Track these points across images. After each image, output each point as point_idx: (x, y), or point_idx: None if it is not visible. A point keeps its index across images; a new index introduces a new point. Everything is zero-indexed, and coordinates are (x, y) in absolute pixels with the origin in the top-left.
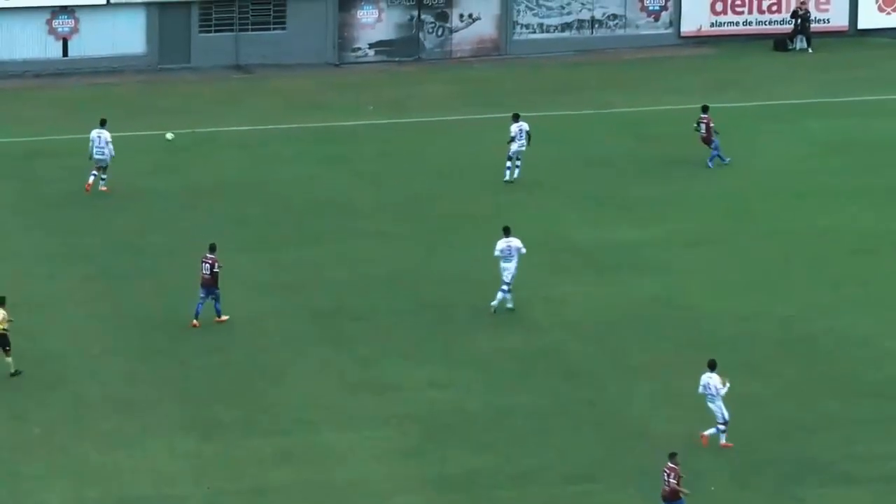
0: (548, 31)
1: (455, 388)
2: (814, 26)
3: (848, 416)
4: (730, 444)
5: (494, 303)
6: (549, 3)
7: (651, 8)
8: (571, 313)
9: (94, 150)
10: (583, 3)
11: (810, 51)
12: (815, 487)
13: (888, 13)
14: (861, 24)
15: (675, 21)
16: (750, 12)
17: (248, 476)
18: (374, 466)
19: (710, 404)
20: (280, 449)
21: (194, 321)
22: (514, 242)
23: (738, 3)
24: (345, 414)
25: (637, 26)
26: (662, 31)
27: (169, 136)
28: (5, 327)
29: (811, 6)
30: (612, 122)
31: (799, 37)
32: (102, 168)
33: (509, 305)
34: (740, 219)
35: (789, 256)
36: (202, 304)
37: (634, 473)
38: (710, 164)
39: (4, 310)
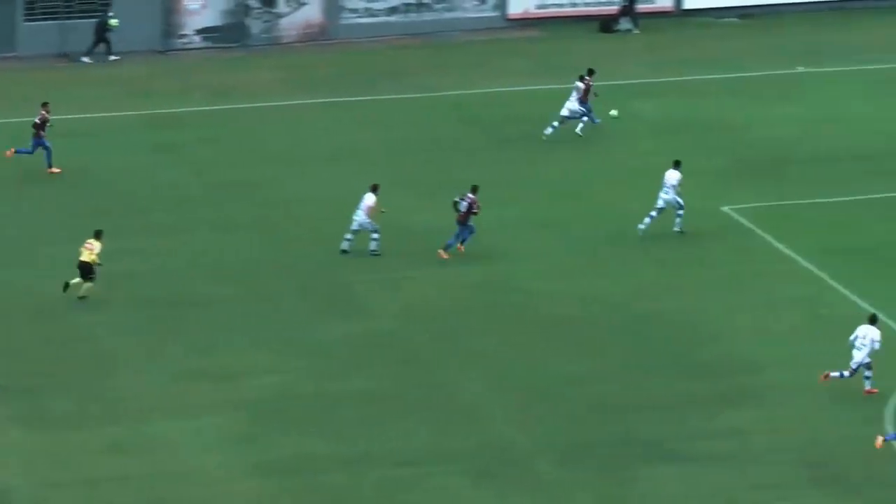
0: (375, 15)
1: (288, 374)
2: (640, 7)
3: (675, 396)
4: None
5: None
6: None
7: None
8: (406, 298)
9: None
10: None
11: (636, 31)
12: (642, 467)
13: None
14: (686, 5)
15: (502, 3)
16: None
17: (78, 467)
18: (207, 454)
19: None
20: (111, 439)
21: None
22: (674, 175)
23: None
24: (177, 402)
25: (464, 9)
26: (489, 13)
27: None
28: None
29: None
30: (441, 106)
31: (625, 18)
32: None
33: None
34: (572, 201)
35: (620, 238)
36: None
37: (466, 457)
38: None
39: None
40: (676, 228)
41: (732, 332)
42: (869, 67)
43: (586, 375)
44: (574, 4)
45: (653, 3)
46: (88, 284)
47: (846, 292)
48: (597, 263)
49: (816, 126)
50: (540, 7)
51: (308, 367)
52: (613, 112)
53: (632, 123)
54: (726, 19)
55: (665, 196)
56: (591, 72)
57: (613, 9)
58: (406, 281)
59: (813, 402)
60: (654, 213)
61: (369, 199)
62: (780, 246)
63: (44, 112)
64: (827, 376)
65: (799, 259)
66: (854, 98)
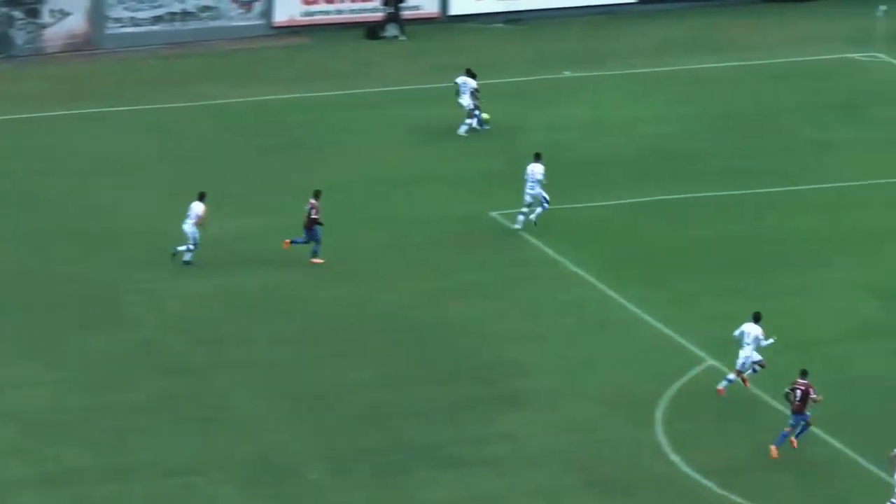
0: (140, 25)
1: (54, 385)
2: (406, 13)
3: (449, 401)
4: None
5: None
6: None
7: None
8: (172, 308)
9: None
10: None
11: (403, 38)
12: (417, 472)
13: None
14: (452, 11)
15: (268, 11)
16: (342, 1)
17: None
18: None
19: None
20: None
21: None
22: (538, 169)
23: None
24: None
25: (229, 17)
26: (255, 21)
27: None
28: None
29: None
30: (208, 115)
31: (391, 24)
32: None
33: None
34: (340, 207)
35: (392, 244)
36: None
37: (235, 466)
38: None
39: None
40: (533, 217)
41: (504, 337)
42: (635, 72)
43: (359, 383)
44: (340, 11)
45: (419, 9)
46: None
47: (614, 295)
48: (368, 270)
49: (584, 130)
50: (306, 14)
51: (75, 378)
52: (485, 115)
53: (399, 129)
54: (493, 25)
55: (531, 191)
56: (470, 73)
57: (379, 15)
58: (175, 290)
59: (583, 405)
60: (525, 210)
61: (198, 207)
62: (549, 251)
63: None
64: (721, 391)
65: (567, 263)
66: (621, 102)
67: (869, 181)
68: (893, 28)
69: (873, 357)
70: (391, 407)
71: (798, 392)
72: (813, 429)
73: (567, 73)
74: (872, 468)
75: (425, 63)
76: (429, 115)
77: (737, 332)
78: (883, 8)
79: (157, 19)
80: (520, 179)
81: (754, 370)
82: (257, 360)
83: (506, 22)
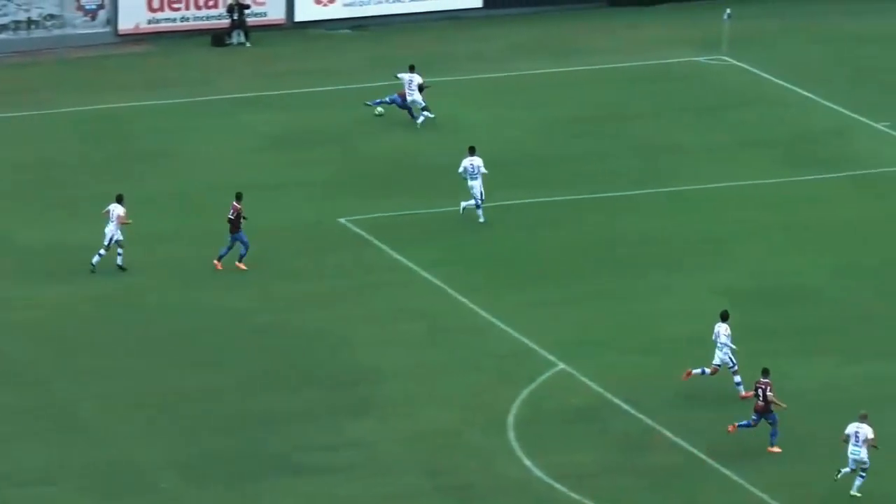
0: None
1: None
2: (251, 20)
3: (301, 408)
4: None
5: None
6: None
7: (87, 7)
8: (17, 317)
9: None
10: (18, 5)
11: (248, 44)
12: (268, 479)
13: (324, 5)
14: (298, 17)
15: (113, 19)
16: (187, 8)
17: None
18: None
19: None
20: None
21: None
22: (477, 161)
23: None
24: None
25: (74, 25)
26: (100, 29)
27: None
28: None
29: (250, 0)
30: (55, 123)
31: (237, 31)
32: None
33: (481, 220)
34: (189, 214)
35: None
36: None
37: (87, 475)
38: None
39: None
40: (463, 205)
41: (355, 343)
42: (482, 76)
43: (209, 389)
44: (185, 19)
45: (264, 16)
46: None
47: (466, 301)
48: (218, 276)
49: (432, 136)
50: (151, 22)
51: None
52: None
53: (246, 136)
54: (339, 31)
55: (473, 181)
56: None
57: (224, 23)
58: (20, 299)
59: (436, 411)
60: (479, 202)
61: (118, 209)
62: (400, 257)
63: None
64: (689, 374)
65: (418, 269)
66: (469, 107)
67: (719, 184)
68: (739, 31)
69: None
70: (244, 414)
71: (760, 391)
72: (664, 432)
73: (398, 76)
74: (723, 470)
75: (271, 69)
76: (275, 122)
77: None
78: (728, 12)
79: (2, 28)
80: (370, 185)
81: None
82: (107, 367)
83: (352, 28)
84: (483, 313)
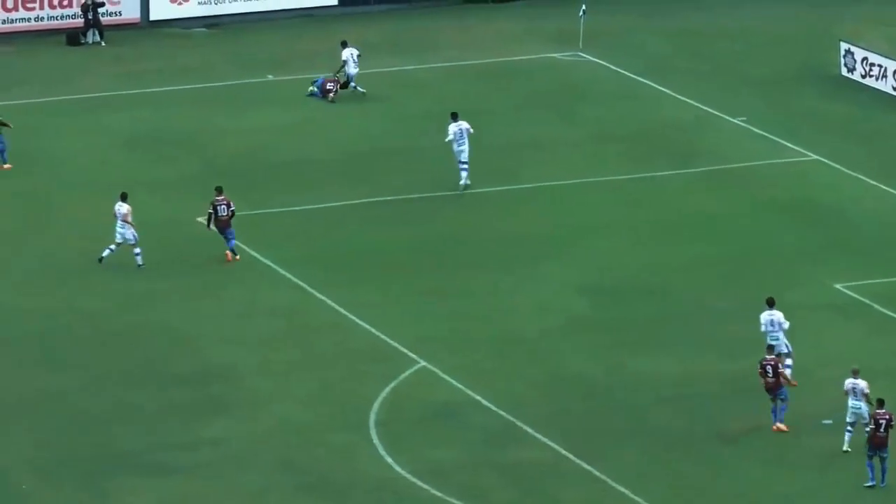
0: None
1: None
2: (106, 19)
3: (155, 406)
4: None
5: (462, 182)
6: None
7: None
8: None
9: None
10: None
11: (103, 44)
12: (123, 478)
13: (179, 4)
14: (153, 16)
15: None
16: (42, 8)
17: None
18: None
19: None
20: None
21: None
22: (464, 125)
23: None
24: None
25: None
26: None
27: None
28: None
29: None
30: None
31: (92, 30)
32: None
33: (465, 182)
34: (42, 215)
35: (94, 248)
36: None
37: None
38: None
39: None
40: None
41: (210, 341)
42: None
43: (61, 389)
44: (39, 18)
45: (119, 15)
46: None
47: (324, 298)
48: (73, 275)
49: (287, 133)
50: (5, 22)
51: None
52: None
53: (101, 135)
54: (195, 29)
55: (460, 148)
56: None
57: (79, 22)
58: None
59: (295, 408)
60: (464, 166)
61: (122, 207)
62: (257, 255)
63: None
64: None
65: (276, 267)
66: (323, 104)
67: (575, 179)
68: (594, 28)
69: (580, 353)
70: (96, 413)
71: (769, 367)
72: (524, 428)
73: (270, 77)
74: (584, 465)
75: (126, 68)
76: (130, 121)
77: (763, 325)
78: (584, 8)
79: None
80: (225, 184)
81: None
82: None
83: (207, 26)
84: (341, 310)
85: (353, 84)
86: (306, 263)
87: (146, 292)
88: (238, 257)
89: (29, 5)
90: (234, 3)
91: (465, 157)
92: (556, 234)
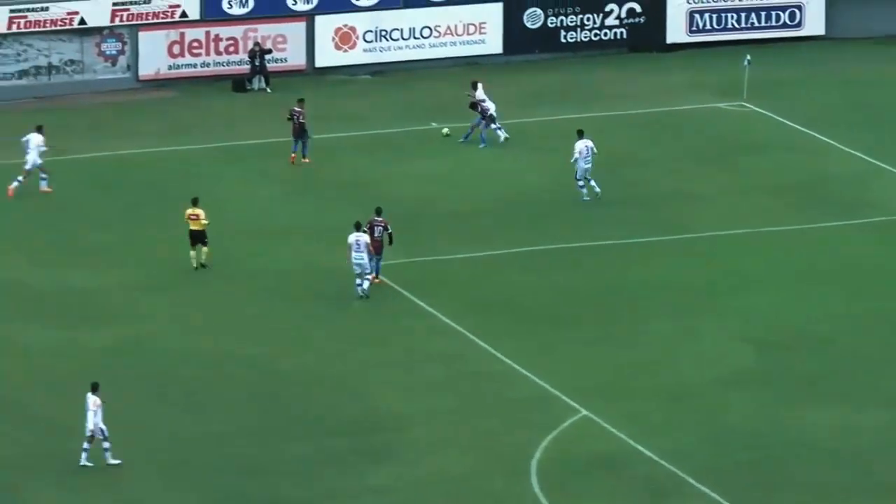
0: (5, 79)
1: None
2: (272, 66)
3: (320, 455)
4: None
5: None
6: (4, 51)
7: (108, 52)
8: (32, 362)
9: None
10: (39, 50)
11: (269, 90)
12: None
13: (345, 51)
14: (319, 63)
15: (133, 65)
16: (207, 54)
17: None
18: None
19: None
20: None
21: None
22: (590, 143)
23: (195, 44)
24: None
25: (95, 71)
26: (120, 74)
27: (445, 130)
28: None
29: (271, 46)
30: (74, 169)
31: (258, 76)
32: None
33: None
34: (221, 257)
35: (256, 295)
36: None
37: None
38: None
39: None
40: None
41: (374, 388)
42: (501, 122)
43: (224, 435)
44: (206, 64)
45: (285, 62)
46: (206, 249)
47: (486, 346)
48: (232, 321)
49: (450, 181)
50: (172, 67)
51: None
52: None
53: (264, 182)
54: (359, 76)
55: (586, 166)
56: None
57: (245, 68)
58: (32, 344)
59: (458, 456)
60: (583, 182)
61: (362, 237)
62: (421, 303)
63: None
64: None
65: (439, 315)
66: (487, 153)
67: (738, 230)
68: (758, 78)
69: (744, 405)
70: (260, 461)
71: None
72: (687, 479)
73: (434, 125)
74: None
75: None
76: (294, 166)
77: None
78: (748, 58)
79: (23, 73)
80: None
81: None
82: (123, 415)
83: (371, 74)
84: (502, 357)
85: (496, 127)
86: (468, 311)
87: (305, 337)
88: (382, 279)
89: (195, 51)
90: (398, 51)
91: (586, 173)
92: (719, 285)
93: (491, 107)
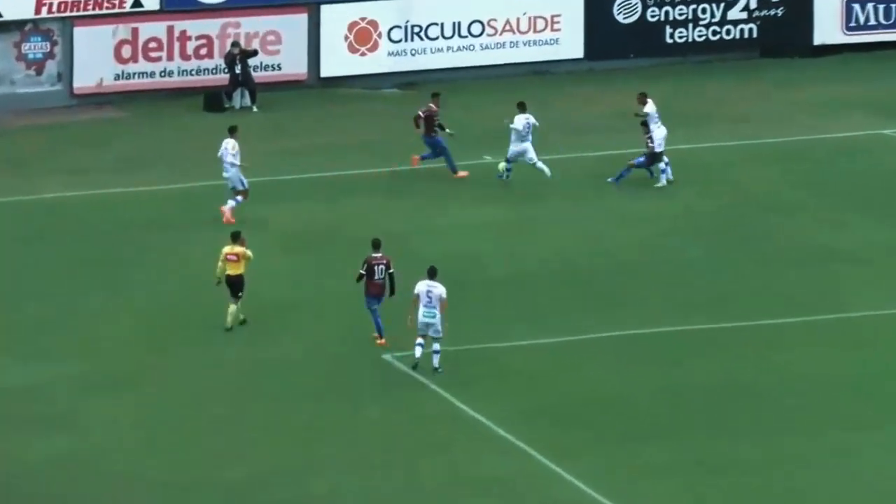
0: None
1: None
2: (260, 75)
3: None
4: None
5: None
6: None
7: (31, 56)
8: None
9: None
10: None
11: (255, 109)
12: None
13: (362, 55)
14: (325, 72)
15: (66, 73)
16: (170, 58)
17: None
18: None
19: None
20: None
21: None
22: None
23: (153, 45)
24: None
25: (12, 82)
26: (48, 87)
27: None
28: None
29: (258, 47)
30: None
31: (240, 90)
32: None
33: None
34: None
35: (245, 393)
36: None
37: None
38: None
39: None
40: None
41: None
42: (581, 155)
43: None
44: (168, 73)
45: (278, 70)
46: (236, 306)
47: (555, 467)
48: (205, 431)
49: (507, 236)
50: (120, 77)
51: None
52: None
53: (254, 237)
54: (383, 90)
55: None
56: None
57: (222, 78)
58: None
59: None
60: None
61: (435, 288)
62: (464, 406)
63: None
64: None
65: (489, 423)
66: (559, 196)
67: None
68: None
69: None
70: None
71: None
72: None
73: (488, 158)
74: None
75: (288, 145)
76: (292, 217)
77: None
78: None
79: None
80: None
81: None
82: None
83: (399, 86)
84: (580, 485)
85: (532, 160)
86: (529, 418)
87: (306, 455)
88: (384, 341)
89: (153, 54)
90: (436, 55)
91: (531, 156)
92: (887, 386)
93: (661, 136)
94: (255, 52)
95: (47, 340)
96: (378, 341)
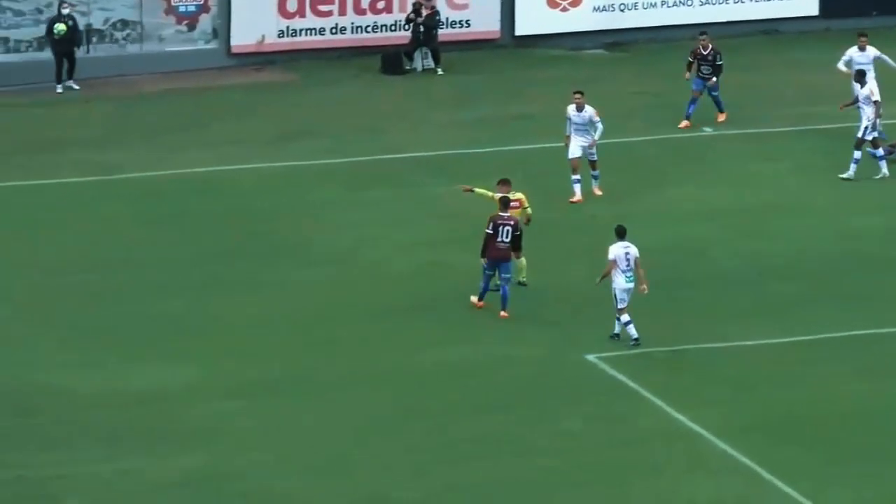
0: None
1: None
2: (445, 32)
3: None
4: None
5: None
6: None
7: (181, 10)
8: None
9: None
10: (71, 4)
11: (440, 72)
12: None
13: (564, 9)
14: (521, 30)
15: (222, 30)
16: (342, 13)
17: None
18: None
19: None
20: None
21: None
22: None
23: None
24: None
25: (161, 39)
26: (202, 45)
27: None
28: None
29: (441, 3)
30: (119, 192)
31: (422, 50)
32: None
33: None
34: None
35: (418, 401)
36: None
37: None
38: None
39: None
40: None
41: None
42: (819, 127)
43: None
44: (341, 29)
45: (467, 27)
46: (523, 258)
47: (792, 492)
48: (360, 446)
49: (732, 220)
50: (285, 35)
51: None
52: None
53: (429, 217)
54: (587, 51)
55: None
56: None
57: (403, 36)
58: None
59: None
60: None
61: (632, 249)
62: (679, 415)
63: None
64: None
65: (709, 436)
66: (794, 177)
67: None
68: None
69: None
70: None
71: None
72: None
73: (708, 130)
74: None
75: (475, 113)
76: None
77: None
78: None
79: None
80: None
81: None
82: None
83: (607, 46)
84: None
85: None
86: (755, 430)
87: (513, 469)
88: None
89: (322, 9)
90: (648, 11)
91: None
92: None
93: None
94: (437, 14)
95: (180, 340)
96: (477, 304)
